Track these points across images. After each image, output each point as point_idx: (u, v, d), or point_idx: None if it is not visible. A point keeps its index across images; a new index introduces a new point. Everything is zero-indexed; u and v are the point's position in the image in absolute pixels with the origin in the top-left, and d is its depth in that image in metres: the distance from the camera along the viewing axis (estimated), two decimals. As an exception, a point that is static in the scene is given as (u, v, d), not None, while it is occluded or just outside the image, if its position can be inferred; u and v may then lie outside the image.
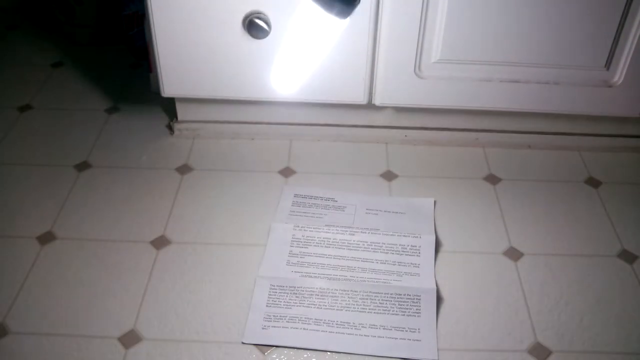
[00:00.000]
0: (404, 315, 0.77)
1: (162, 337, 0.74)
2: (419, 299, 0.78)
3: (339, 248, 0.85)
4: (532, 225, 0.90)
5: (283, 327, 0.75)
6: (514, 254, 0.86)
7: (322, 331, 0.75)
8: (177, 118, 1.06)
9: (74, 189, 0.95)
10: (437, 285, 0.80)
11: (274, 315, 0.76)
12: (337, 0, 0.54)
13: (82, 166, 0.99)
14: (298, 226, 0.88)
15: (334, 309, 0.77)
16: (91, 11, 1.28)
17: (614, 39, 0.90)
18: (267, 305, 0.77)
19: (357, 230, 0.87)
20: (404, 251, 0.85)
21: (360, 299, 0.78)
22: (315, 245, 0.85)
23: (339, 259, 0.84)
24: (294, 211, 0.91)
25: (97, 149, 1.03)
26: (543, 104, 0.97)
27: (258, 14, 0.88)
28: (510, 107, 0.98)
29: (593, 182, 0.98)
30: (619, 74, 0.93)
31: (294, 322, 0.76)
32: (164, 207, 0.92)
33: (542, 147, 1.05)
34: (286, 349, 0.73)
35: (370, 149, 1.04)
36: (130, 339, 0.73)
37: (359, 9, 0.88)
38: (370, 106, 0.99)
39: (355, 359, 0.72)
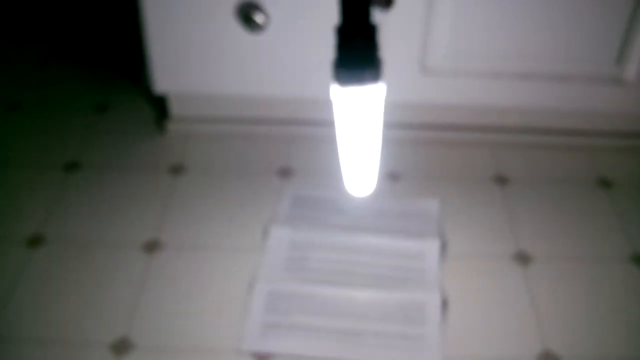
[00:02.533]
0: (407, 322, 0.75)
1: (156, 344, 0.73)
2: (423, 305, 0.77)
3: (340, 252, 0.84)
4: (541, 228, 0.89)
5: (282, 334, 0.74)
6: (522, 257, 0.85)
7: (323, 338, 0.74)
8: (170, 116, 1.05)
9: (63, 191, 0.94)
10: (442, 291, 0.79)
11: (272, 322, 0.75)
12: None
13: (71, 167, 0.98)
14: (298, 229, 0.87)
15: (335, 316, 0.76)
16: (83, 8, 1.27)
17: (625, 33, 0.89)
18: (265, 312, 0.76)
19: (359, 233, 0.86)
20: (407, 255, 0.84)
21: (362, 305, 0.77)
22: (315, 250, 0.84)
23: (340, 263, 0.83)
24: (293, 213, 0.90)
25: (86, 149, 1.02)
26: (552, 101, 0.96)
27: (254, 5, 0.87)
28: (518, 105, 0.98)
29: (604, 184, 0.97)
30: (631, 71, 0.92)
31: (293, 329, 0.75)
32: (156, 209, 0.91)
33: (552, 147, 1.04)
34: (285, 356, 0.72)
35: (372, 148, 1.03)
36: (122, 346, 0.72)
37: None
38: (372, 104, 0.98)
39: (358, 368, 0.72)
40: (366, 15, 0.42)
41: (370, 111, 0.47)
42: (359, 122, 0.47)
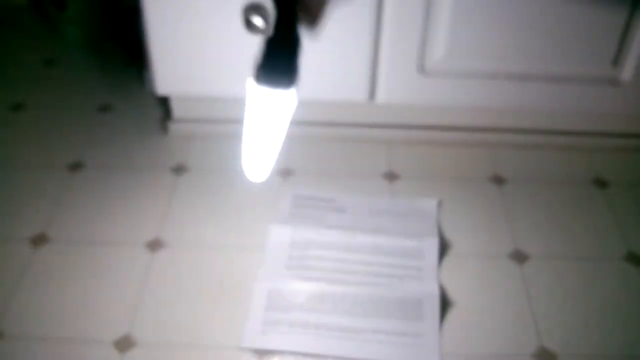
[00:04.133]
0: (406, 319, 0.75)
1: (158, 341, 0.73)
2: (422, 303, 0.77)
3: (340, 251, 0.84)
4: (538, 227, 0.89)
5: (282, 331, 0.74)
6: (519, 256, 0.85)
7: (323, 336, 0.74)
8: (172, 117, 1.05)
9: (67, 190, 0.94)
10: (440, 289, 0.79)
11: (273, 320, 0.75)
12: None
13: (75, 166, 0.98)
14: (298, 228, 0.86)
15: (334, 314, 0.76)
16: (84, 8, 1.27)
17: (621, 34, 0.89)
18: (265, 310, 0.76)
19: (358, 233, 0.86)
20: (406, 254, 0.84)
21: (361, 303, 0.77)
22: (315, 248, 0.84)
23: (340, 262, 0.83)
24: (293, 213, 0.90)
25: (90, 149, 1.02)
26: (549, 102, 0.96)
27: (256, 8, 0.86)
28: (515, 106, 0.97)
29: (600, 183, 0.97)
30: (627, 72, 0.92)
31: (293, 327, 0.75)
32: (159, 208, 0.91)
33: (549, 147, 1.04)
34: (285, 354, 0.72)
35: (372, 148, 1.03)
36: (125, 343, 0.73)
37: (360, 4, 0.86)
38: (372, 104, 0.98)
39: (357, 365, 0.72)
40: (292, 28, 0.48)
41: (277, 111, 0.52)
42: (265, 118, 0.52)
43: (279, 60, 0.50)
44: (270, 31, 0.49)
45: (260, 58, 0.50)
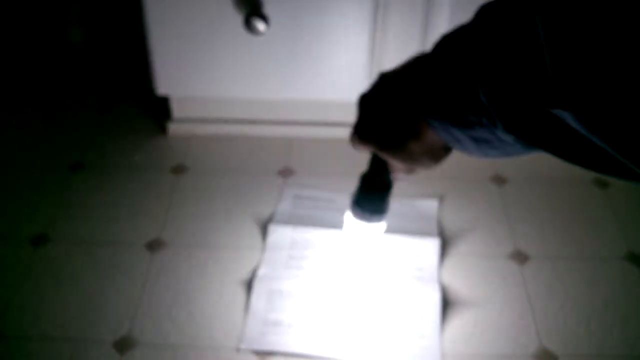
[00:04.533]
0: (407, 320, 0.75)
1: (157, 342, 0.73)
2: (422, 304, 0.77)
3: (340, 251, 0.84)
4: (538, 227, 0.89)
5: (282, 332, 0.74)
6: (519, 257, 0.85)
7: (323, 337, 0.73)
8: (172, 117, 1.05)
9: (67, 190, 0.94)
10: (440, 289, 0.79)
11: (272, 321, 0.75)
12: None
13: (76, 167, 0.98)
14: (297, 228, 0.86)
15: (334, 315, 0.76)
16: (86, 10, 1.27)
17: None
18: (265, 310, 0.76)
19: None
20: (407, 254, 0.83)
21: (362, 303, 0.77)
22: (315, 248, 0.84)
23: (340, 262, 0.82)
24: (293, 213, 0.90)
25: (90, 149, 1.02)
26: None
27: (257, 10, 0.86)
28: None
29: (600, 183, 0.97)
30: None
31: (293, 328, 0.74)
32: (159, 209, 0.91)
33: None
34: (285, 355, 0.72)
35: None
36: (124, 344, 0.72)
37: (359, 3, 0.86)
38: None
39: (357, 365, 0.71)
40: (384, 176, 0.59)
41: (368, 236, 0.68)
42: (358, 239, 0.68)
43: (372, 201, 0.63)
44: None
45: (356, 195, 0.63)
